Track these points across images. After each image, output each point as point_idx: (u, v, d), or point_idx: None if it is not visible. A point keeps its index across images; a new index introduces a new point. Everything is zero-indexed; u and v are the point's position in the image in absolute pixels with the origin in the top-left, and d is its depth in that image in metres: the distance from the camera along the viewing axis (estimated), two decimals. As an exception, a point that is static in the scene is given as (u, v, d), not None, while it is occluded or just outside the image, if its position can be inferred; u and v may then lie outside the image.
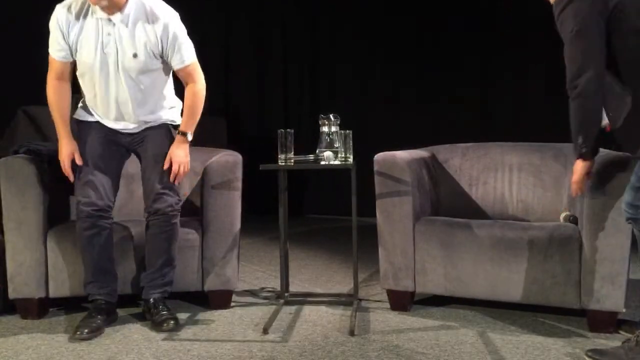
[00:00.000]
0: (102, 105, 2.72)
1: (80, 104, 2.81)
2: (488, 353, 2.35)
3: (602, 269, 2.52)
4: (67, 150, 2.70)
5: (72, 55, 2.67)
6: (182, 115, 2.84)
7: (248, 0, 6.44)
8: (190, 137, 2.79)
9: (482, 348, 2.40)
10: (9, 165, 2.77)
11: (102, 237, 2.69)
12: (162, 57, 2.71)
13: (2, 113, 4.76)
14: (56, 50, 2.66)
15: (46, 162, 2.83)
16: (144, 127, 2.79)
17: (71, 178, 2.71)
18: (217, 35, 6.53)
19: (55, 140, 2.79)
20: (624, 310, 2.53)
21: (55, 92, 2.71)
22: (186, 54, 2.74)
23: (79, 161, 2.69)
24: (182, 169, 2.74)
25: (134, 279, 2.85)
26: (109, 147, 2.75)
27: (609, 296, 2.51)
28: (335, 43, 6.19)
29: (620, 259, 2.50)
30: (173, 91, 2.91)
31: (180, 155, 2.74)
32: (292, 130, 2.84)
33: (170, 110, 2.86)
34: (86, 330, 2.55)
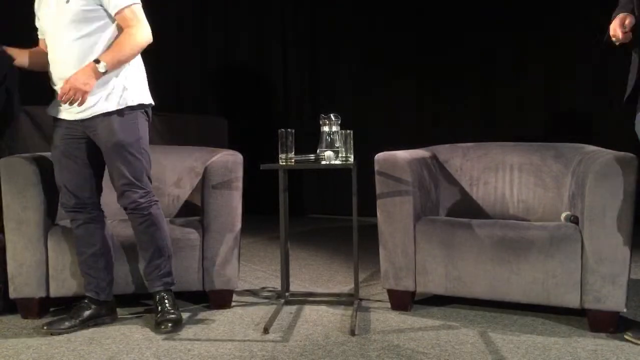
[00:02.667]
0: (53, 76, 2.59)
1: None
2: (489, 353, 2.35)
3: (603, 269, 2.52)
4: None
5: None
6: (140, 94, 2.66)
7: (248, 0, 6.45)
8: (101, 69, 2.47)
9: (483, 348, 2.40)
10: (9, 165, 2.77)
11: (80, 229, 2.69)
12: (98, 3, 2.52)
13: (2, 113, 4.77)
14: (38, 26, 2.68)
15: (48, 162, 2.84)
16: (90, 112, 2.57)
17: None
18: (217, 35, 6.53)
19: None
20: (624, 310, 2.53)
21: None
22: None
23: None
24: (71, 92, 2.44)
25: (135, 279, 2.85)
26: (72, 143, 2.64)
27: (610, 296, 2.51)
28: (335, 43, 6.19)
29: (621, 258, 2.50)
30: (131, 71, 2.64)
31: (77, 77, 2.45)
32: (293, 130, 2.84)
33: (121, 91, 2.60)
34: (46, 326, 2.60)
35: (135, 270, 2.85)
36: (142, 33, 2.57)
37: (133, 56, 2.59)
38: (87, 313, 2.68)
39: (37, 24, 2.71)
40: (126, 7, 2.54)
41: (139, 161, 2.63)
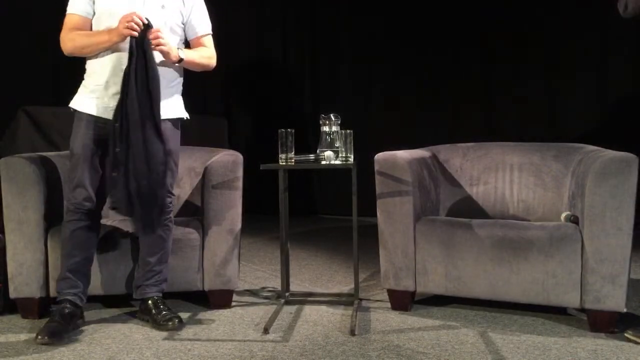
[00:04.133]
0: (109, 67, 2.55)
1: (79, 91, 2.66)
2: (489, 353, 2.35)
3: (603, 269, 2.52)
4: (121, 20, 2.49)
5: (94, 8, 2.59)
6: (183, 108, 2.81)
7: (248, 1, 6.44)
8: (181, 54, 2.65)
9: (483, 348, 2.40)
10: (9, 165, 2.77)
11: (78, 232, 2.63)
12: (183, 22, 2.73)
13: (2, 113, 4.77)
14: (79, 3, 2.59)
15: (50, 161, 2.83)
16: None
17: (139, 25, 2.48)
18: (217, 35, 6.52)
19: (57, 142, 2.77)
20: (624, 310, 2.53)
21: (73, 31, 2.58)
22: (208, 23, 2.81)
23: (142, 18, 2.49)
24: (162, 38, 2.53)
25: (132, 279, 2.85)
26: (103, 145, 2.60)
27: (610, 296, 2.51)
28: (336, 43, 6.18)
29: (621, 258, 2.50)
30: (181, 84, 2.81)
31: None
32: (293, 130, 2.84)
33: (178, 100, 2.78)
34: (47, 336, 2.46)
35: (133, 271, 2.84)
36: (215, 59, 2.85)
37: (200, 69, 2.79)
38: (74, 317, 2.62)
39: (90, 3, 2.60)
40: (210, 34, 2.84)
41: (176, 169, 2.79)
